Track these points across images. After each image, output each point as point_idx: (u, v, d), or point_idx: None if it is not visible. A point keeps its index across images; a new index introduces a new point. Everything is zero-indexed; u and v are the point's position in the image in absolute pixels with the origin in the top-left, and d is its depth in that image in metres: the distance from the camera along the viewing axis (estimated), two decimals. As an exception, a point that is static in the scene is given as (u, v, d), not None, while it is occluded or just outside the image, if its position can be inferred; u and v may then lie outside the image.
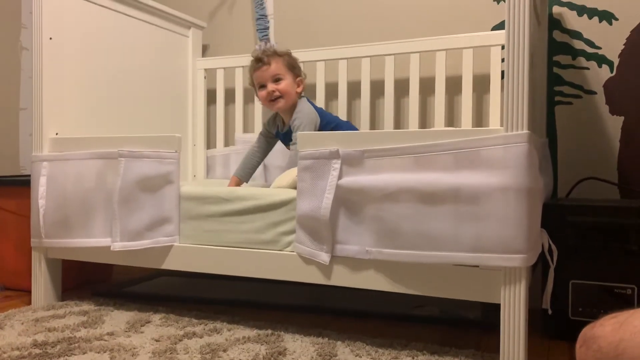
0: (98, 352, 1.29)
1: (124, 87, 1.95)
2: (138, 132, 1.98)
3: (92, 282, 2.01)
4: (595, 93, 1.79)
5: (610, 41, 1.76)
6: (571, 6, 1.81)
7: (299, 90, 1.76)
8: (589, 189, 1.74)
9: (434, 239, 1.21)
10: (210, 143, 2.32)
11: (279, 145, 2.03)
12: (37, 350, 1.29)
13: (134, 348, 1.32)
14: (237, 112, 2.20)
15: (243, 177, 1.85)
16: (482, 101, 1.91)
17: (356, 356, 1.27)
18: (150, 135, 1.59)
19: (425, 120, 1.99)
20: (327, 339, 1.39)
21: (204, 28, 2.33)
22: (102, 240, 1.58)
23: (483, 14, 1.91)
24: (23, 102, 2.50)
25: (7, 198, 1.92)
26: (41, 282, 1.70)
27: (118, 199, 1.53)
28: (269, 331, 1.44)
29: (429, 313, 1.62)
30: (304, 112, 1.71)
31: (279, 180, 1.60)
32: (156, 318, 1.56)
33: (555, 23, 1.83)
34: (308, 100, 1.77)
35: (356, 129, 1.85)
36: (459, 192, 1.19)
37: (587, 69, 1.79)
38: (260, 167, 2.12)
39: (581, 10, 1.80)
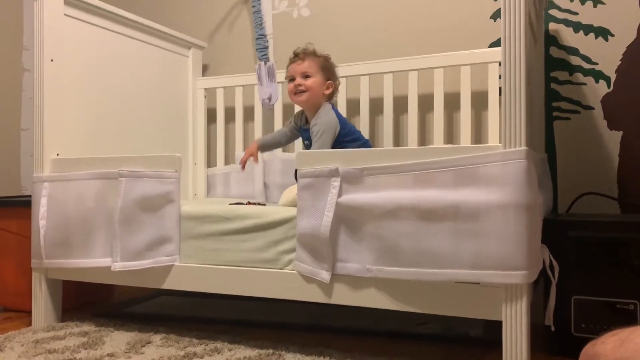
0: (98, 374, 1.28)
1: (125, 107, 1.97)
2: (139, 151, 1.99)
3: (92, 302, 2.01)
4: (593, 108, 1.80)
5: (607, 57, 1.78)
6: (567, 23, 1.83)
7: (326, 92, 1.76)
8: (590, 203, 1.74)
9: (434, 256, 1.21)
10: (210, 161, 2.33)
11: (280, 164, 2.04)
12: (37, 373, 1.28)
13: (135, 369, 1.30)
14: (237, 131, 2.21)
15: (263, 146, 1.86)
16: (481, 117, 1.92)
17: (358, 375, 1.26)
18: (150, 155, 1.59)
19: (424, 137, 2.00)
20: (328, 357, 1.38)
21: (204, 48, 2.36)
22: (103, 260, 1.58)
23: (480, 31, 1.93)
24: (24, 122, 2.52)
25: (8, 219, 1.93)
26: (41, 303, 1.69)
27: (119, 218, 1.53)
28: (270, 351, 1.43)
29: (432, 330, 1.62)
30: (324, 119, 1.71)
31: (282, 198, 1.61)
32: (157, 338, 1.55)
33: (551, 39, 1.85)
34: (333, 107, 1.78)
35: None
36: (459, 209, 1.19)
37: (585, 84, 1.81)
38: (261, 186, 2.13)
39: (577, 26, 1.82)
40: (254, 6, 2.21)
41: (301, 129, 1.82)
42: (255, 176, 2.14)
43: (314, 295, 1.37)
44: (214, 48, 2.41)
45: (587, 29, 1.81)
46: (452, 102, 1.91)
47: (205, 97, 2.30)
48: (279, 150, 2.14)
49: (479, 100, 1.87)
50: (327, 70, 1.77)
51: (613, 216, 1.56)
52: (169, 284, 1.55)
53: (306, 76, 1.74)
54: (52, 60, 1.69)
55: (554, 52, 1.85)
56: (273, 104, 2.11)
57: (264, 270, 1.44)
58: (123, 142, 1.95)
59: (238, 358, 1.37)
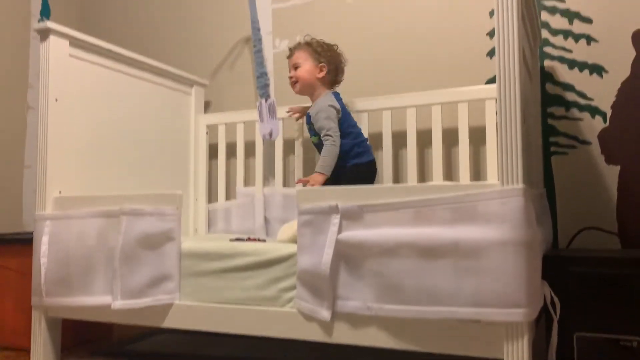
0: (96, 416, 1.26)
1: (128, 144, 1.99)
2: (141, 187, 2.00)
3: (91, 340, 1.99)
4: (590, 143, 1.81)
5: (602, 93, 1.81)
6: (562, 60, 1.87)
7: (319, 75, 1.81)
8: (590, 238, 1.74)
9: (434, 294, 1.21)
10: (211, 197, 2.34)
11: (281, 198, 2.05)
12: (35, 415, 1.27)
13: (133, 411, 1.29)
14: (239, 166, 2.23)
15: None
16: (480, 152, 1.94)
17: (359, 416, 1.24)
18: (151, 193, 1.61)
19: (423, 172, 2.02)
20: (329, 397, 1.36)
21: (206, 85, 2.40)
22: (103, 298, 1.57)
23: (477, 68, 1.97)
24: (28, 159, 2.54)
25: (10, 256, 1.93)
26: (40, 342, 1.68)
27: (119, 256, 1.54)
28: (271, 390, 1.41)
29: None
30: (320, 107, 1.76)
31: (281, 234, 1.61)
32: (156, 378, 1.53)
33: (547, 76, 1.88)
34: (335, 94, 1.81)
35: (370, 151, 1.83)
36: (458, 246, 1.19)
37: (581, 119, 1.83)
38: (262, 221, 2.13)
39: (572, 63, 1.85)
40: (255, 45, 2.26)
41: (307, 115, 1.86)
42: (256, 211, 2.15)
43: (314, 334, 1.36)
44: (216, 85, 2.45)
45: (582, 65, 1.84)
46: (450, 138, 1.93)
47: (207, 133, 2.33)
48: (279, 185, 2.16)
49: (477, 136, 1.89)
50: (318, 54, 1.83)
51: (614, 251, 1.56)
52: (168, 323, 1.55)
53: (296, 67, 1.82)
54: (56, 100, 1.72)
55: (550, 88, 1.88)
56: (274, 140, 2.14)
57: (265, 309, 1.43)
58: (125, 178, 1.97)
59: (238, 398, 1.36)
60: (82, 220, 1.62)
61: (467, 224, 1.19)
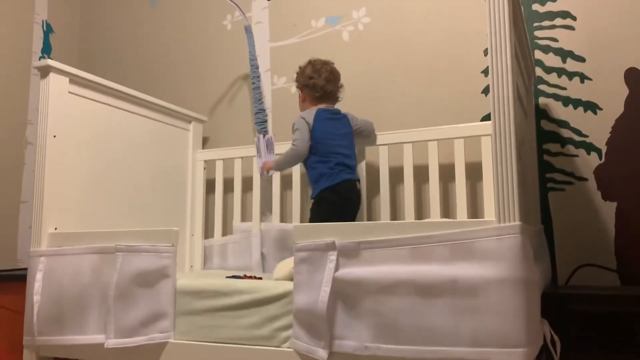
0: None
1: (125, 180, 1.99)
2: (137, 222, 1.99)
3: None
4: (586, 179, 1.82)
5: (597, 129, 1.82)
6: (556, 97, 1.89)
7: (301, 100, 1.92)
8: (588, 275, 1.73)
9: (433, 334, 1.19)
10: (208, 233, 2.33)
11: (277, 234, 2.04)
12: None
13: None
14: (236, 202, 2.23)
15: None
16: (476, 188, 1.94)
17: None
18: (147, 230, 1.60)
19: (420, 207, 2.01)
20: None
21: (204, 121, 2.42)
22: (96, 337, 1.55)
23: (472, 105, 1.99)
24: (24, 195, 2.54)
25: (3, 293, 1.90)
26: (31, 382, 1.64)
27: (114, 294, 1.52)
28: None
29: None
30: (294, 121, 1.85)
31: (277, 271, 1.60)
32: (148, 420, 1.49)
33: (542, 113, 1.90)
34: (319, 110, 1.85)
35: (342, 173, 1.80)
36: (456, 284, 1.18)
37: (577, 156, 1.84)
38: (258, 257, 2.12)
39: (566, 100, 1.87)
40: (253, 82, 2.29)
41: None
42: (253, 247, 2.14)
43: (311, 374, 1.34)
44: (214, 121, 2.47)
45: (576, 103, 1.86)
46: (447, 174, 1.94)
47: (204, 168, 2.34)
48: (276, 221, 2.15)
49: (474, 172, 1.90)
50: (296, 81, 1.93)
51: (614, 289, 1.54)
52: (162, 362, 1.51)
53: None
54: (54, 136, 1.73)
55: (545, 125, 1.89)
56: (271, 175, 2.14)
57: (260, 349, 1.40)
58: (122, 214, 1.96)
59: None
60: (77, 257, 1.61)
61: (465, 261, 1.18)
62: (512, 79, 1.22)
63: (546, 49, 1.92)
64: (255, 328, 1.42)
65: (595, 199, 1.80)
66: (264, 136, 2.16)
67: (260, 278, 1.71)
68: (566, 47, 1.89)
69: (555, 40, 1.91)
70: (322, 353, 1.30)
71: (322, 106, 1.87)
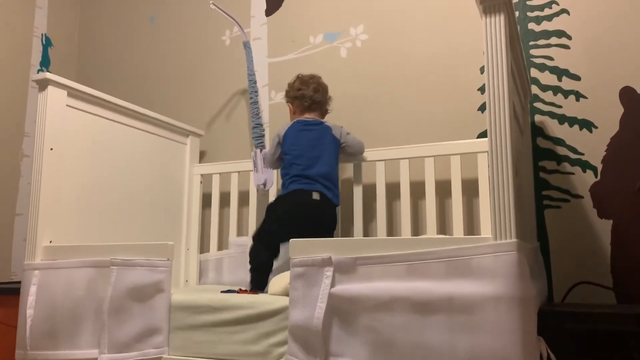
0: None
1: (121, 194, 1.99)
2: (133, 236, 1.99)
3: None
4: (582, 197, 1.83)
5: (592, 147, 1.83)
6: (552, 115, 1.90)
7: (292, 114, 1.98)
8: (584, 292, 1.73)
9: (429, 351, 1.18)
10: (203, 247, 2.32)
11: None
12: None
13: None
14: (232, 216, 2.22)
15: None
16: (473, 204, 1.94)
17: None
18: (142, 244, 1.59)
19: (417, 223, 2.02)
20: None
21: (201, 135, 2.42)
22: (89, 352, 1.53)
23: (469, 122, 2.00)
24: (20, 207, 2.53)
25: (-5, 307, 1.89)
26: (22, 398, 1.62)
27: (108, 308, 1.51)
28: None
29: None
30: None
31: (272, 286, 1.59)
32: None
33: (538, 130, 1.91)
34: (297, 121, 1.92)
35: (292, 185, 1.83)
36: (452, 301, 1.17)
37: (573, 174, 1.85)
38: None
39: (562, 118, 1.89)
40: (251, 97, 2.30)
41: None
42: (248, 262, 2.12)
43: (306, 390, 1.32)
44: (212, 135, 2.47)
45: (572, 120, 1.88)
46: (443, 190, 1.94)
47: (201, 182, 2.33)
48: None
49: (470, 188, 1.90)
50: (288, 95, 1.99)
51: (611, 307, 1.54)
52: (156, 378, 1.50)
53: None
54: (51, 149, 1.73)
55: (541, 142, 1.91)
56: (268, 190, 2.14)
57: (255, 364, 1.39)
58: (118, 227, 1.95)
59: None
60: (71, 270, 1.60)
61: (461, 278, 1.18)
62: (508, 98, 1.23)
63: (542, 67, 1.94)
64: (251, 344, 1.41)
65: (591, 216, 1.81)
66: (260, 151, 2.16)
67: (256, 292, 1.70)
68: (562, 66, 1.91)
69: (550, 58, 1.93)
70: (318, 370, 1.28)
71: (305, 117, 1.92)
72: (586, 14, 1.90)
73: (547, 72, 1.93)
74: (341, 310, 1.29)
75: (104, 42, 2.88)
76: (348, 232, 2.05)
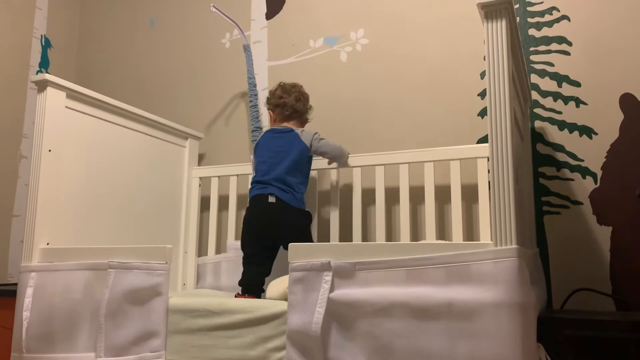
0: None
1: (120, 196, 1.98)
2: (131, 239, 1.98)
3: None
4: (582, 203, 1.82)
5: (592, 154, 1.83)
6: (552, 121, 1.90)
7: (274, 123, 1.97)
8: (583, 299, 1.72)
9: (428, 357, 1.17)
10: (201, 250, 2.31)
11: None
12: None
13: None
14: (230, 219, 2.21)
15: None
16: (472, 210, 1.94)
17: None
18: (140, 247, 1.58)
19: (416, 228, 2.01)
20: None
21: (201, 138, 2.41)
22: (86, 355, 1.52)
23: (469, 127, 2.00)
24: (17, 209, 2.52)
25: (-9, 309, 1.88)
26: (17, 401, 1.61)
27: (105, 311, 1.50)
28: None
29: None
30: None
31: (270, 290, 1.58)
32: None
33: (538, 136, 1.91)
34: (269, 130, 1.95)
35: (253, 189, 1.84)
36: (452, 307, 1.17)
37: (572, 180, 1.85)
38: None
39: (561, 124, 1.89)
40: (250, 101, 2.29)
41: None
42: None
43: (303, 396, 1.31)
44: (211, 138, 2.47)
45: (572, 127, 1.87)
46: (442, 195, 1.94)
47: (199, 185, 2.33)
48: (271, 240, 2.13)
49: (470, 194, 1.90)
50: (269, 103, 1.98)
51: (610, 314, 1.53)
52: (152, 382, 1.49)
53: None
54: (50, 150, 1.72)
55: (541, 148, 1.90)
56: (266, 194, 2.13)
57: (252, 369, 1.38)
58: (116, 230, 1.94)
59: None
60: (68, 273, 1.59)
61: (461, 284, 1.18)
62: (509, 103, 1.23)
63: (542, 73, 1.94)
64: (248, 348, 1.40)
65: (591, 223, 1.80)
66: (260, 154, 2.15)
67: (254, 296, 1.69)
68: (562, 72, 1.91)
69: (551, 64, 1.93)
70: (316, 375, 1.28)
71: (281, 125, 1.92)
72: (587, 21, 1.90)
73: (547, 78, 1.93)
74: (340, 316, 1.29)
75: (103, 44, 2.87)
76: (347, 237, 2.04)
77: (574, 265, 1.80)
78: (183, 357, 1.47)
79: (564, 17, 1.93)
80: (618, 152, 1.80)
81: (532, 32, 1.97)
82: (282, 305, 1.40)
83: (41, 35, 2.74)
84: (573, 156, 1.86)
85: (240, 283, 1.77)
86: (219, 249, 2.27)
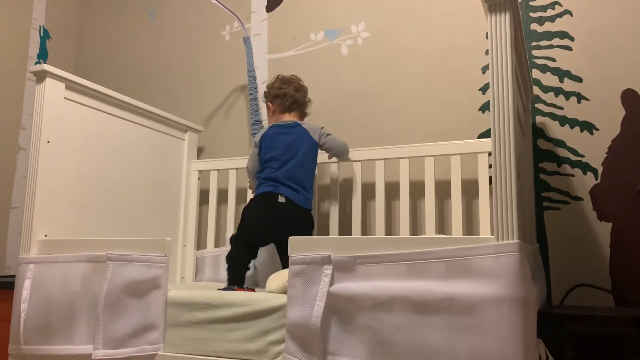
0: None
1: (118, 188, 1.97)
2: (129, 231, 1.97)
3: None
4: (582, 199, 1.82)
5: (593, 150, 1.83)
6: (553, 116, 1.90)
7: (271, 115, 1.95)
8: (582, 295, 1.72)
9: (429, 352, 1.17)
10: (200, 244, 2.30)
11: (269, 247, 2.01)
12: None
13: None
14: (229, 213, 2.21)
15: None
16: (472, 205, 1.93)
17: None
18: (139, 239, 1.57)
19: (415, 223, 2.01)
20: None
21: (200, 131, 2.40)
22: (84, 347, 1.51)
23: (470, 122, 1.99)
24: (15, 201, 2.50)
25: (-11, 300, 1.87)
26: (15, 393, 1.60)
27: (103, 304, 1.49)
28: None
29: None
30: None
31: (270, 284, 1.57)
32: None
33: (539, 132, 1.90)
34: (273, 125, 1.91)
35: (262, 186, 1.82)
36: (453, 301, 1.16)
37: (573, 175, 1.84)
38: (252, 269, 2.09)
39: (563, 120, 1.88)
40: (250, 94, 2.28)
41: None
42: (245, 259, 2.11)
43: (303, 389, 1.31)
44: (210, 131, 2.46)
45: (573, 122, 1.87)
46: (442, 190, 1.93)
47: (198, 178, 2.32)
48: (270, 233, 2.13)
49: (470, 189, 1.89)
50: (268, 95, 1.96)
51: (609, 310, 1.53)
52: (151, 375, 1.48)
53: None
54: (48, 142, 1.71)
55: (542, 144, 1.90)
56: (266, 188, 2.12)
57: (252, 363, 1.38)
58: (114, 222, 1.93)
59: None
60: (66, 265, 1.58)
61: (462, 279, 1.17)
62: (512, 98, 1.22)
63: (544, 69, 1.93)
64: (247, 342, 1.39)
65: (591, 218, 1.80)
66: (259, 147, 2.14)
67: (254, 290, 1.68)
68: (564, 67, 1.91)
69: (553, 59, 1.92)
70: (315, 369, 1.27)
71: (283, 120, 1.90)
72: (589, 16, 1.89)
73: (549, 74, 1.92)
74: (340, 309, 1.28)
75: (102, 36, 2.86)
76: (346, 231, 2.03)
77: (573, 261, 1.80)
78: (182, 350, 1.47)
79: (566, 12, 1.92)
80: (619, 148, 1.80)
81: (534, 26, 1.96)
82: (281, 299, 1.40)
83: (40, 26, 2.72)
84: (574, 152, 1.85)
85: (231, 278, 1.76)
86: (218, 242, 2.27)
